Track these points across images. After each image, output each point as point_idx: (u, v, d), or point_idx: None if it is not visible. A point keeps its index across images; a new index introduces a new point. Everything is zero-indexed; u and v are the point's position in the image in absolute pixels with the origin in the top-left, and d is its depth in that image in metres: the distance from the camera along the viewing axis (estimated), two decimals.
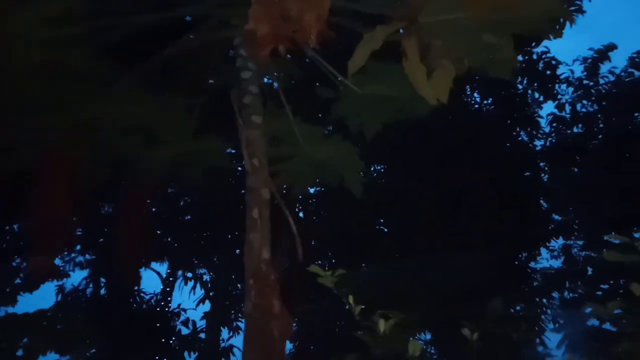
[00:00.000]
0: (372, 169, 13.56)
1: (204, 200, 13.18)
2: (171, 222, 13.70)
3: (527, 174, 13.97)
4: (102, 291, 13.55)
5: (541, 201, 14.08)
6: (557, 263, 14.43)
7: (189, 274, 14.44)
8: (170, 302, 14.24)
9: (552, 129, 14.54)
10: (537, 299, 13.86)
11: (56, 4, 4.46)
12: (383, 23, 3.95)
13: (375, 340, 3.01)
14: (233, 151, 9.86)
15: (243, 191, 5.25)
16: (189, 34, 5.83)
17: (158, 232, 13.45)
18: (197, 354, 13.55)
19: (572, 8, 12.12)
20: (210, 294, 14.33)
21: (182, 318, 14.05)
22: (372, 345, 3.08)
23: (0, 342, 8.16)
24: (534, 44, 12.87)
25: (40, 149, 5.72)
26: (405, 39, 3.76)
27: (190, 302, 14.41)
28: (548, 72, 13.78)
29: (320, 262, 13.01)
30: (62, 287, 13.40)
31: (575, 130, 14.41)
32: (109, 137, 5.75)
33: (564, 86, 14.43)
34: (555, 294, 13.99)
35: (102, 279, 13.46)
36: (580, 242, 14.24)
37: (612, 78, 14.05)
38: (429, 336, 13.67)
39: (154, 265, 14.19)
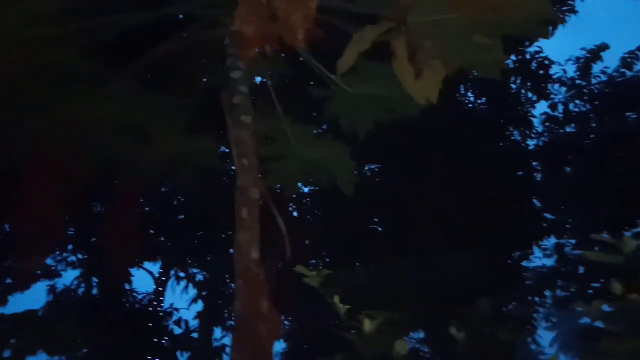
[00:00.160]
0: (366, 168, 13.59)
1: (198, 200, 13.16)
2: (164, 221, 13.68)
3: (520, 173, 14.03)
4: (94, 291, 13.51)
5: (534, 200, 14.15)
6: (549, 262, 14.51)
7: (182, 274, 14.42)
8: (162, 301, 14.22)
9: (545, 129, 14.60)
10: (530, 298, 13.94)
11: (45, 3, 4.43)
12: (374, 23, 3.96)
13: (361, 340, 3.02)
14: (227, 150, 9.84)
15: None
16: (180, 33, 5.81)
17: (151, 231, 13.43)
18: (189, 353, 13.54)
19: (565, 8, 12.19)
20: (203, 293, 14.32)
21: (174, 318, 14.05)
22: (358, 345, 3.09)
23: None
24: (527, 43, 12.91)
25: (31, 149, 5.69)
26: (394, 39, 3.76)
27: (182, 301, 14.41)
28: (541, 72, 13.83)
29: (314, 261, 13.04)
30: (54, 287, 13.36)
31: (567, 129, 14.47)
32: (100, 137, 5.72)
33: (556, 86, 14.49)
34: (547, 293, 14.07)
35: (94, 279, 13.42)
36: (573, 241, 14.31)
37: (604, 78, 14.12)
38: (422, 335, 13.73)
39: (146, 264, 14.17)
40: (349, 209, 11.60)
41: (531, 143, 14.48)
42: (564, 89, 14.53)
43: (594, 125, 14.20)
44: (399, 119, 6.13)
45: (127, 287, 13.37)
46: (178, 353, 13.54)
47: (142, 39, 5.71)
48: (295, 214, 13.31)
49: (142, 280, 15.88)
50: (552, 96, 14.48)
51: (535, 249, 14.20)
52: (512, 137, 14.20)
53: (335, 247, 13.07)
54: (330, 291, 3.16)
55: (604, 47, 13.95)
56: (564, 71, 14.46)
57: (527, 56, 13.71)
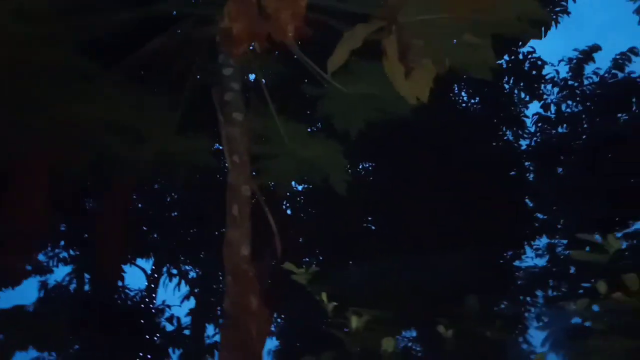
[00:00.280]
0: (359, 167, 13.61)
1: (190, 197, 13.15)
2: (157, 218, 13.66)
3: (513, 173, 14.10)
4: (86, 287, 13.47)
5: (526, 200, 14.22)
6: (541, 262, 14.58)
7: (174, 271, 14.41)
8: (154, 298, 14.20)
9: (537, 129, 14.65)
10: (522, 298, 14.01)
11: (36, 0, 4.41)
12: (365, 21, 3.97)
13: (349, 337, 3.03)
14: (221, 148, 9.83)
15: None
16: (172, 31, 5.81)
17: (144, 228, 13.41)
18: (181, 350, 13.53)
19: (558, 9, 12.24)
20: (195, 290, 14.32)
21: (166, 315, 14.02)
22: (346, 342, 3.11)
23: None
24: (520, 44, 12.96)
25: (23, 146, 5.67)
26: (385, 38, 3.78)
27: (175, 298, 14.40)
28: (534, 72, 13.88)
29: (307, 259, 13.05)
30: (46, 283, 13.30)
31: (560, 130, 14.53)
32: (92, 135, 5.71)
33: (549, 86, 14.55)
34: (539, 292, 14.14)
35: (86, 275, 13.38)
36: (565, 241, 14.38)
37: (596, 79, 14.19)
38: (414, 334, 13.80)
39: (139, 261, 14.15)
40: (342, 208, 11.62)
41: (524, 143, 14.56)
42: (556, 89, 14.58)
43: (585, 126, 14.26)
44: (391, 118, 6.16)
45: (119, 283, 13.32)
46: (170, 350, 13.53)
47: (134, 37, 5.71)
48: (288, 212, 13.32)
49: (134, 277, 15.88)
50: (545, 97, 14.53)
51: (527, 249, 14.29)
52: (505, 137, 14.26)
53: (328, 245, 13.08)
54: (318, 288, 3.17)
55: (596, 48, 14.01)
56: (557, 72, 14.51)
57: (520, 57, 13.76)
